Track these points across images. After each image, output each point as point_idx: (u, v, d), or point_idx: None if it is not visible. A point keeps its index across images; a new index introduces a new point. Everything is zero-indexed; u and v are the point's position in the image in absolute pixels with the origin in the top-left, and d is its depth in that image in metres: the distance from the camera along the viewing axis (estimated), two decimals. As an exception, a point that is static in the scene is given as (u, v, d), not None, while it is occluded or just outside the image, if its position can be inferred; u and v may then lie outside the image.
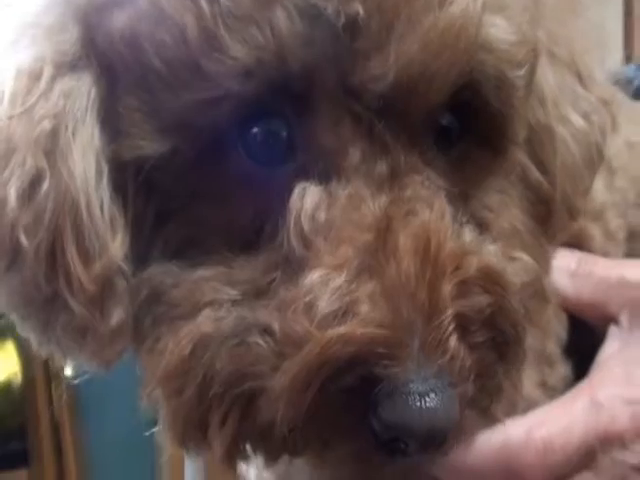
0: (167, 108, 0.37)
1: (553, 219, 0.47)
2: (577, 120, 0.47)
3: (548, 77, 0.46)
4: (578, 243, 0.56)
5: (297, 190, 0.37)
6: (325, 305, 0.35)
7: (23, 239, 0.38)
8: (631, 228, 0.61)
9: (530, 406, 0.50)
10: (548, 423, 0.48)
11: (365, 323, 0.34)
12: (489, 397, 0.40)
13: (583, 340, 0.54)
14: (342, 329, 0.34)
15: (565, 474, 0.48)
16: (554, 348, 0.54)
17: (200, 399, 0.37)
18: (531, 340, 0.49)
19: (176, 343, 0.37)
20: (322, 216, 0.37)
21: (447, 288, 0.36)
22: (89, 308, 0.39)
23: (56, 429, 2.10)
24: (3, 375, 2.21)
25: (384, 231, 0.36)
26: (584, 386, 0.50)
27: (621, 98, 0.66)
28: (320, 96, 0.37)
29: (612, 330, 0.53)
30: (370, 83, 0.36)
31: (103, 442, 2.10)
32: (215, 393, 0.37)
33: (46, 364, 2.17)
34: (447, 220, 0.38)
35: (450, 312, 0.35)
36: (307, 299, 0.35)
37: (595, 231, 0.57)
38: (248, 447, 0.38)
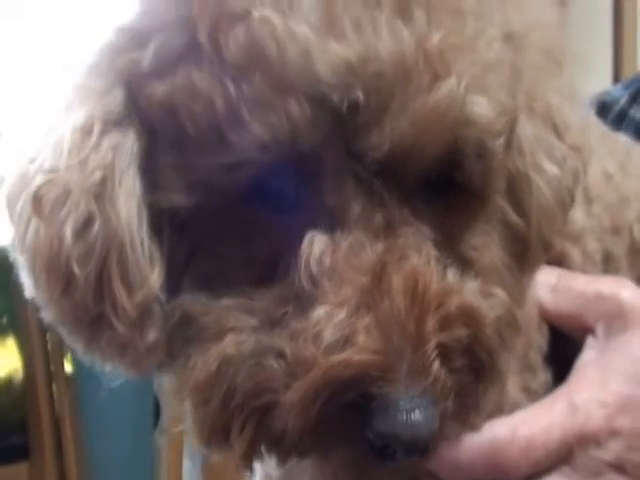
0: (195, 168, 0.43)
1: (529, 255, 0.53)
2: (551, 168, 0.53)
3: (526, 130, 0.52)
4: (559, 263, 0.62)
5: (307, 238, 0.44)
6: (329, 335, 0.41)
7: (76, 269, 0.44)
8: (606, 252, 0.67)
9: (514, 408, 0.56)
10: (530, 423, 0.54)
11: (362, 350, 0.41)
12: (468, 411, 0.47)
13: (563, 349, 0.60)
14: (343, 355, 0.41)
15: (545, 468, 0.54)
16: (536, 356, 0.60)
17: (223, 408, 0.44)
18: (515, 351, 0.55)
19: (204, 361, 0.44)
20: (327, 261, 0.43)
21: (431, 322, 0.42)
22: (130, 329, 0.45)
23: (56, 424, 2.14)
24: (4, 371, 2.24)
25: (379, 274, 0.43)
26: (563, 390, 0.56)
27: (604, 129, 0.73)
28: (326, 163, 0.43)
29: (589, 340, 0.59)
30: (369, 151, 0.42)
31: (103, 436, 2.13)
32: (236, 404, 0.44)
33: (47, 360, 2.21)
34: (433, 264, 0.44)
35: (433, 342, 0.42)
36: (315, 330, 0.42)
37: (575, 252, 0.64)
38: (263, 449, 0.45)
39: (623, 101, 1.00)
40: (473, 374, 0.45)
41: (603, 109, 0.98)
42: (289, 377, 0.42)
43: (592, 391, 0.55)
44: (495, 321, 0.47)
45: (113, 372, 0.51)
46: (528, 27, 0.52)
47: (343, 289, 0.43)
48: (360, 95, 0.41)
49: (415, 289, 0.43)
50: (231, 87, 0.42)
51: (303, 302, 0.43)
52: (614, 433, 0.53)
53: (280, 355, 0.43)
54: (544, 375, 0.60)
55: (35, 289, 0.47)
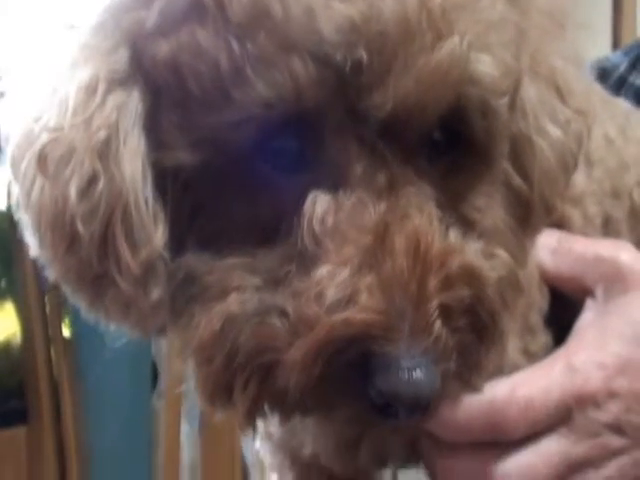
0: (200, 126, 0.44)
1: (532, 218, 0.54)
2: (554, 131, 0.53)
3: (530, 93, 0.52)
4: (560, 225, 0.62)
5: (310, 197, 0.44)
6: (332, 294, 0.42)
7: (80, 227, 0.44)
8: (606, 215, 0.68)
9: (514, 370, 0.56)
10: (529, 384, 0.55)
11: (364, 309, 0.41)
12: (470, 371, 0.47)
13: (564, 311, 0.61)
14: (345, 314, 0.41)
15: (544, 429, 0.55)
16: (536, 318, 0.61)
17: (227, 367, 0.44)
18: (516, 313, 0.55)
19: (208, 320, 0.44)
20: (330, 220, 0.44)
21: (433, 282, 0.43)
22: (134, 286, 0.46)
23: (55, 388, 2.14)
24: (2, 335, 2.24)
25: (381, 233, 0.43)
26: (562, 352, 0.57)
27: (604, 94, 0.73)
28: (330, 122, 0.44)
29: (588, 302, 0.60)
30: (372, 111, 0.43)
31: (101, 400, 2.15)
32: (239, 362, 0.44)
33: (45, 324, 2.21)
34: (435, 224, 0.45)
35: (435, 302, 0.43)
36: (317, 289, 0.42)
37: (575, 215, 0.64)
38: (266, 407, 0.45)
39: (622, 67, 1.01)
40: (475, 334, 0.46)
41: (603, 75, 0.98)
42: (292, 335, 0.42)
43: (590, 353, 0.56)
44: (497, 281, 0.47)
45: (114, 334, 0.51)
46: None
47: (345, 248, 0.43)
48: (363, 54, 0.41)
49: (417, 249, 0.43)
50: (235, 45, 0.42)
51: (306, 261, 0.44)
52: (612, 394, 0.54)
53: (283, 314, 0.43)
54: (544, 337, 0.61)
55: (40, 247, 0.47)
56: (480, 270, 0.46)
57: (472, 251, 0.47)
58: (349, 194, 0.44)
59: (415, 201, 0.45)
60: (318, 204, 0.44)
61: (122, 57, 0.46)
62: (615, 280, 0.59)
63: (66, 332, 2.18)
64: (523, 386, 0.55)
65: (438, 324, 0.43)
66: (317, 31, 0.41)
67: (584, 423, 0.54)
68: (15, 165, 0.47)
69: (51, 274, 0.48)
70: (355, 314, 0.41)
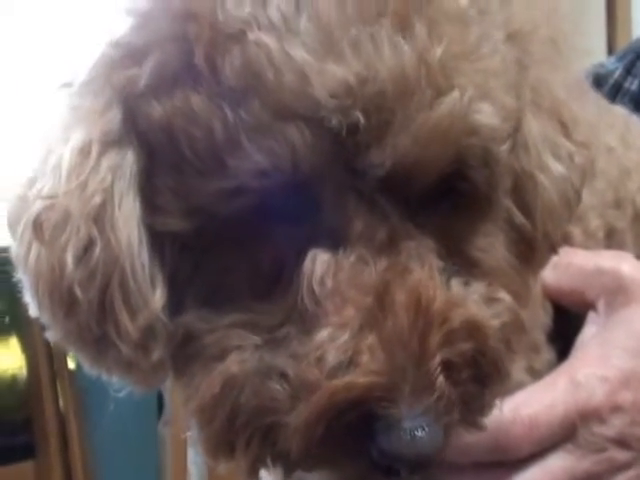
0: (194, 191, 0.43)
1: (535, 255, 0.53)
2: (556, 167, 0.52)
3: (532, 129, 0.51)
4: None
5: (309, 256, 0.44)
6: (332, 358, 0.41)
7: (79, 293, 0.44)
8: (609, 227, 0.67)
9: (519, 389, 0.56)
10: (533, 401, 0.54)
11: (365, 373, 0.41)
12: (474, 415, 0.47)
13: (567, 326, 0.61)
14: (347, 378, 0.41)
15: (549, 447, 0.54)
16: (540, 336, 0.61)
17: (229, 427, 0.44)
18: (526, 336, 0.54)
19: (209, 381, 0.44)
20: (329, 281, 0.43)
21: (435, 338, 0.42)
22: (134, 349, 0.46)
23: (61, 422, 2.14)
24: (8, 370, 2.24)
25: (382, 292, 0.43)
26: (564, 367, 0.57)
27: (603, 102, 0.73)
28: (327, 183, 0.43)
29: (590, 316, 0.60)
30: (370, 169, 0.42)
31: (108, 434, 2.14)
32: (241, 422, 0.44)
33: (50, 359, 2.21)
34: (436, 277, 0.44)
35: (437, 358, 0.42)
36: (318, 353, 0.42)
37: (575, 231, 0.64)
38: (268, 462, 0.45)
39: (617, 73, 1.01)
40: (478, 383, 0.45)
41: (598, 82, 0.98)
42: (293, 399, 0.42)
43: (593, 367, 0.55)
44: (500, 329, 0.47)
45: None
46: (532, 23, 0.51)
47: (346, 310, 0.42)
48: (360, 116, 0.41)
49: (418, 304, 0.43)
50: (229, 112, 0.41)
51: (306, 322, 0.43)
52: (617, 408, 0.54)
53: (283, 377, 0.43)
54: (548, 354, 0.61)
55: (39, 310, 0.47)
56: (482, 322, 0.45)
57: (474, 300, 0.46)
58: (349, 252, 0.44)
59: (416, 255, 0.45)
60: (317, 264, 0.44)
61: (115, 117, 0.45)
62: (617, 292, 0.58)
63: (71, 364, 2.17)
64: (527, 405, 0.54)
65: (440, 381, 0.42)
66: (311, 97, 0.40)
67: (589, 438, 0.54)
68: (12, 227, 0.47)
69: (52, 336, 0.48)
70: (356, 378, 0.41)
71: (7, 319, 2.29)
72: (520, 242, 0.52)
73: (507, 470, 0.55)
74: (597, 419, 0.54)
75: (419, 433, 0.41)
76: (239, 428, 0.44)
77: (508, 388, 0.54)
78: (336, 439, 0.42)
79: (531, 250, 0.52)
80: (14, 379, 2.24)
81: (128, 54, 0.45)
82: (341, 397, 0.41)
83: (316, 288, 0.43)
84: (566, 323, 0.61)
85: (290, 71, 0.40)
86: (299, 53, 0.40)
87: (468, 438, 0.51)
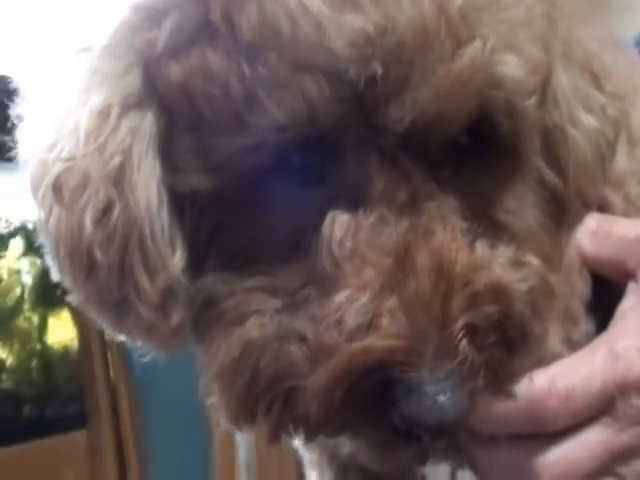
0: (214, 150, 0.43)
1: (568, 214, 0.51)
2: (588, 120, 0.50)
3: (562, 82, 0.50)
4: (600, 209, 0.60)
5: (328, 217, 0.43)
6: (352, 320, 0.40)
7: (98, 255, 0.44)
8: None
9: (556, 360, 0.55)
10: (570, 373, 0.53)
11: (385, 336, 0.40)
12: (502, 382, 0.45)
13: (608, 297, 0.59)
14: (366, 342, 0.40)
15: (586, 420, 0.53)
16: (578, 306, 0.59)
17: (248, 392, 0.44)
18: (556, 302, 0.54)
19: (228, 346, 0.44)
20: (349, 242, 0.42)
21: (457, 301, 0.41)
22: (154, 312, 0.45)
23: (112, 391, 2.18)
24: (61, 342, 2.29)
25: (403, 253, 0.42)
26: (603, 338, 0.56)
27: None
28: (347, 139, 0.42)
29: (630, 286, 0.58)
30: (390, 125, 0.41)
31: (157, 400, 2.17)
32: (261, 387, 0.43)
33: (101, 330, 2.23)
34: (459, 239, 0.43)
35: (460, 322, 0.41)
36: (337, 315, 0.41)
37: (616, 198, 0.62)
38: (290, 428, 0.44)
39: None
40: (505, 349, 0.44)
41: None
42: (312, 363, 0.41)
43: (633, 338, 0.54)
44: (527, 293, 0.45)
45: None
46: None
47: (365, 271, 0.42)
48: (378, 68, 0.40)
49: (440, 267, 0.42)
50: (246, 68, 0.41)
51: (326, 284, 0.42)
52: None
53: (302, 340, 0.42)
54: (586, 325, 0.59)
55: (60, 274, 0.47)
56: (508, 285, 0.44)
57: (500, 263, 0.45)
58: (369, 212, 0.43)
59: (438, 216, 0.43)
60: (337, 225, 0.43)
61: (135, 79, 0.45)
62: None
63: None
64: (563, 376, 0.53)
65: (463, 345, 0.41)
66: (328, 48, 0.39)
67: (627, 411, 0.53)
68: (34, 193, 0.46)
69: (74, 299, 0.48)
70: (375, 341, 0.40)
71: (58, 292, 2.33)
72: (552, 201, 0.50)
73: (542, 443, 0.54)
74: (636, 392, 0.53)
75: (441, 398, 0.40)
76: (259, 393, 0.43)
77: (544, 359, 0.54)
78: (356, 404, 0.41)
79: (563, 209, 0.51)
80: (66, 350, 2.27)
81: (148, 17, 0.44)
82: (359, 360, 0.40)
83: (335, 250, 0.42)
84: (606, 293, 0.59)
85: (307, 23, 0.39)
86: (315, 4, 0.39)
87: (502, 409, 0.50)
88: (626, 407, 0.53)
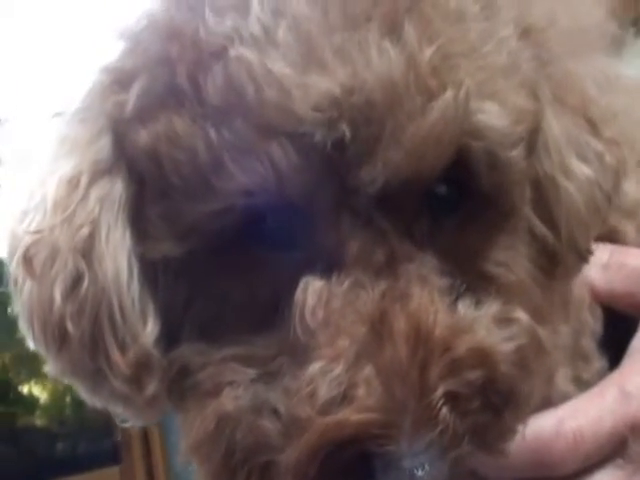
0: (184, 215, 0.42)
1: (559, 268, 0.49)
2: (581, 170, 0.48)
3: (553, 129, 0.48)
4: (612, 240, 0.57)
5: (301, 285, 0.41)
6: (324, 393, 0.39)
7: (70, 328, 0.43)
8: None
9: (564, 401, 0.52)
10: (578, 414, 0.51)
11: (360, 408, 0.38)
12: (493, 443, 0.43)
13: (622, 332, 0.56)
14: (339, 415, 0.38)
15: (598, 462, 0.51)
16: (589, 343, 0.56)
17: (225, 465, 0.42)
18: (564, 339, 0.53)
19: (203, 418, 0.42)
20: (322, 311, 0.41)
21: (437, 368, 0.39)
22: (127, 384, 0.44)
23: (143, 427, 2.19)
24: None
25: (379, 321, 0.40)
26: (614, 376, 0.53)
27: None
28: (319, 202, 0.41)
29: None
30: (363, 186, 0.40)
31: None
32: (237, 460, 0.42)
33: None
34: (438, 301, 0.41)
35: (440, 390, 0.39)
36: (309, 388, 0.39)
37: (628, 227, 0.59)
38: None
39: None
40: (491, 412, 0.42)
41: None
42: (285, 437, 0.40)
43: None
44: (514, 352, 0.43)
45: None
46: (550, 16, 0.48)
47: (339, 341, 0.40)
48: (346, 130, 0.38)
49: (418, 333, 0.40)
50: (212, 132, 0.40)
51: (299, 354, 0.41)
52: None
53: (276, 414, 0.40)
54: (598, 363, 0.56)
55: (35, 344, 0.46)
56: (491, 347, 0.42)
57: (484, 323, 0.43)
58: (344, 277, 0.41)
59: (416, 277, 0.42)
60: (309, 292, 0.41)
61: (105, 144, 0.44)
62: None
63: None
64: (571, 418, 0.50)
65: (444, 413, 0.39)
66: (293, 112, 0.38)
67: None
68: (9, 265, 0.46)
69: (50, 369, 0.47)
70: (349, 414, 0.38)
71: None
72: (544, 253, 0.48)
73: None
74: None
75: (419, 472, 0.38)
76: (236, 465, 0.42)
77: (552, 400, 0.51)
78: (333, 478, 0.40)
79: (556, 261, 0.49)
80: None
81: (117, 79, 0.44)
82: (332, 435, 0.38)
83: (308, 318, 0.41)
84: (622, 329, 0.57)
85: (270, 86, 0.38)
86: (279, 66, 0.38)
87: (509, 451, 0.48)
88: (639, 448, 0.50)
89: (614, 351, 0.56)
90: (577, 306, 0.55)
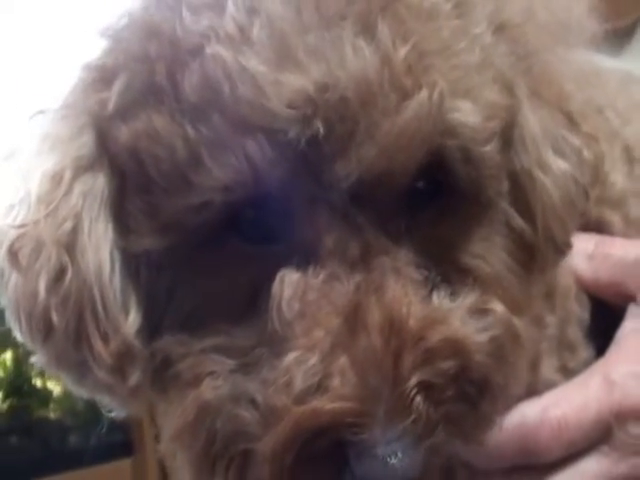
0: (164, 210, 0.43)
1: (536, 260, 0.50)
2: (557, 164, 0.49)
3: (530, 123, 0.48)
4: (598, 230, 0.58)
5: (278, 277, 0.42)
6: (300, 382, 0.40)
7: (54, 319, 0.44)
8: None
9: (549, 389, 0.53)
10: (563, 402, 0.52)
11: (334, 397, 0.39)
12: (470, 432, 0.44)
13: (611, 321, 0.57)
14: (313, 404, 0.39)
15: (583, 449, 0.51)
16: (575, 332, 0.57)
17: (206, 454, 0.43)
18: (550, 329, 0.54)
19: (184, 408, 0.43)
20: (298, 303, 0.42)
21: (410, 358, 0.40)
22: (110, 374, 0.45)
23: (157, 421, 2.20)
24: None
25: (353, 312, 0.41)
26: (599, 365, 0.54)
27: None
28: (295, 196, 0.42)
29: (630, 309, 0.56)
30: (337, 181, 0.41)
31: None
32: (217, 449, 0.43)
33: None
34: (411, 294, 0.42)
35: (413, 379, 0.40)
36: (285, 378, 0.40)
37: (614, 218, 0.59)
38: None
39: None
40: (465, 401, 0.43)
41: None
42: (262, 426, 0.41)
43: (630, 364, 0.52)
44: (489, 342, 0.44)
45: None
46: (526, 11, 0.48)
47: (315, 332, 0.41)
48: (320, 127, 0.39)
49: (392, 324, 0.41)
50: (189, 129, 0.41)
51: (276, 345, 0.42)
52: None
53: (252, 403, 0.41)
54: (585, 352, 0.57)
55: (21, 336, 0.47)
56: (465, 337, 0.43)
57: (459, 314, 0.43)
58: (319, 269, 0.42)
59: (391, 269, 0.42)
60: (286, 284, 0.42)
61: (88, 141, 0.45)
62: None
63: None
64: (556, 405, 0.51)
65: (417, 402, 0.40)
66: (267, 108, 0.39)
67: (625, 440, 0.51)
68: None
69: (36, 360, 0.48)
70: (324, 403, 0.39)
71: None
72: (521, 245, 0.49)
73: (538, 474, 0.52)
74: (634, 420, 0.51)
75: (393, 460, 0.39)
76: (216, 454, 0.43)
77: (537, 389, 0.52)
78: (308, 467, 0.40)
79: (533, 254, 0.49)
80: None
81: (99, 77, 0.45)
82: (307, 424, 0.39)
83: (285, 310, 0.42)
84: (610, 318, 0.57)
85: (245, 83, 0.39)
86: (253, 64, 0.39)
87: (494, 442, 0.48)
88: (624, 436, 0.51)
89: (601, 340, 0.56)
90: (563, 296, 0.55)
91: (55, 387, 2.29)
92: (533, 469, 0.52)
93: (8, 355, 2.23)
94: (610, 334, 0.56)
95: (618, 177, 0.59)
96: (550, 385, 0.54)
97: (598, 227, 0.58)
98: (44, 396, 2.31)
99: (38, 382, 2.29)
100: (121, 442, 2.20)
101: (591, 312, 0.57)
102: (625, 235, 0.59)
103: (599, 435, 0.51)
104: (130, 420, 2.24)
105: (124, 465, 2.18)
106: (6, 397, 2.26)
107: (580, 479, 0.52)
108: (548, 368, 0.55)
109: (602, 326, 0.57)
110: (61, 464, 2.09)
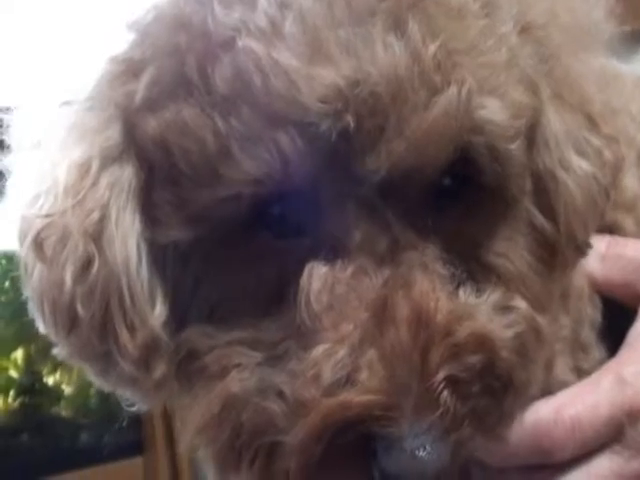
0: (192, 202, 0.43)
1: (558, 259, 0.50)
2: (580, 164, 0.49)
3: (552, 124, 0.48)
4: (611, 233, 0.58)
5: (306, 270, 0.42)
6: (329, 375, 0.40)
7: (80, 310, 0.44)
8: None
9: (563, 389, 0.53)
10: (576, 402, 0.52)
11: (363, 390, 0.39)
12: (492, 428, 0.44)
13: (623, 321, 0.57)
14: (342, 397, 0.39)
15: (595, 448, 0.52)
16: (588, 333, 0.57)
17: (231, 446, 0.43)
18: (564, 330, 0.54)
19: (209, 401, 0.43)
20: (327, 296, 0.42)
21: (438, 352, 0.40)
22: (135, 366, 0.45)
23: (168, 419, 2.20)
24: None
25: (381, 306, 0.41)
26: (611, 364, 0.54)
27: None
28: (324, 190, 0.42)
29: None
30: (367, 176, 0.41)
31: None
32: (243, 442, 0.43)
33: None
34: (439, 289, 0.42)
35: (441, 373, 0.40)
36: (314, 370, 0.40)
37: (627, 221, 0.60)
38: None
39: None
40: (490, 396, 0.43)
41: None
42: (290, 419, 0.41)
43: None
44: (514, 338, 0.44)
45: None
46: (550, 13, 0.48)
47: (343, 325, 0.41)
48: (351, 121, 0.39)
49: (419, 318, 0.41)
50: (220, 122, 0.41)
51: (304, 338, 0.42)
52: None
53: (281, 395, 0.41)
54: (597, 353, 0.57)
55: (45, 328, 0.47)
56: (491, 333, 0.43)
57: (485, 310, 0.44)
58: (348, 263, 0.42)
59: (419, 265, 0.42)
60: (314, 277, 0.42)
61: (114, 133, 0.45)
62: None
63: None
64: (569, 405, 0.51)
65: (444, 396, 0.40)
66: (299, 102, 0.39)
67: (637, 438, 0.51)
68: (20, 249, 0.47)
69: (59, 352, 0.48)
70: (353, 396, 0.39)
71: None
72: (543, 244, 0.49)
73: (552, 473, 0.52)
74: None
75: (421, 452, 0.39)
76: (242, 447, 0.43)
77: (551, 389, 0.53)
78: (336, 460, 0.41)
79: (555, 253, 0.49)
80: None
81: (127, 69, 0.45)
82: (336, 416, 0.39)
83: (313, 303, 0.42)
84: (620, 317, 0.57)
85: (277, 76, 0.39)
86: (285, 58, 0.39)
87: (509, 440, 0.49)
88: (636, 434, 0.51)
89: (613, 340, 0.57)
90: (577, 297, 0.56)
91: (67, 385, 2.29)
92: (546, 468, 0.52)
93: (19, 353, 2.23)
94: (621, 334, 0.56)
95: (631, 180, 0.59)
96: (564, 385, 0.54)
97: (611, 230, 0.58)
98: (55, 394, 2.31)
99: (49, 380, 2.30)
100: (132, 440, 2.20)
101: (602, 312, 0.58)
102: (637, 237, 0.59)
103: (611, 434, 0.51)
104: (142, 419, 2.24)
105: (135, 463, 2.18)
106: (17, 395, 2.26)
107: (593, 477, 0.52)
108: (562, 369, 0.55)
109: (613, 326, 0.57)
110: (72, 462, 2.09)
